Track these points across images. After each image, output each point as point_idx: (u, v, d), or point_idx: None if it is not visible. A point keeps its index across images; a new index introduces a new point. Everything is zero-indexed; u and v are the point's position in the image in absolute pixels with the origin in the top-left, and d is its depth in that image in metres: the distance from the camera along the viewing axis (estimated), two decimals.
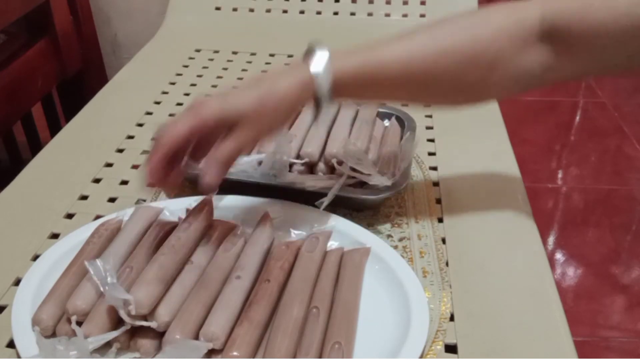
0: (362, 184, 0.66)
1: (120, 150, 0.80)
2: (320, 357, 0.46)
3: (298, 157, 0.68)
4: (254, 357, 0.46)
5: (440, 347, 0.50)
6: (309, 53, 0.53)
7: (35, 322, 0.48)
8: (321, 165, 0.68)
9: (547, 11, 0.53)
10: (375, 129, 0.75)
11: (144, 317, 0.48)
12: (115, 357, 0.48)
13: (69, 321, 0.48)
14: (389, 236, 0.63)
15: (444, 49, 0.53)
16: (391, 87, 0.54)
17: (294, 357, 0.46)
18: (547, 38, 0.53)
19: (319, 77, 0.51)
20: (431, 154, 0.78)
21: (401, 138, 0.74)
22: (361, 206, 0.65)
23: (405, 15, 1.22)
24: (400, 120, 0.78)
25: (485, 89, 0.55)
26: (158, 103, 0.93)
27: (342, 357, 0.46)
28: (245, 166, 0.67)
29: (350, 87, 0.53)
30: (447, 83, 0.54)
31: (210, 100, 0.51)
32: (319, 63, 0.52)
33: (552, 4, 0.53)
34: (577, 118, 2.27)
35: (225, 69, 1.06)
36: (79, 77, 1.40)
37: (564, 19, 0.52)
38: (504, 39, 0.53)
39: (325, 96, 0.52)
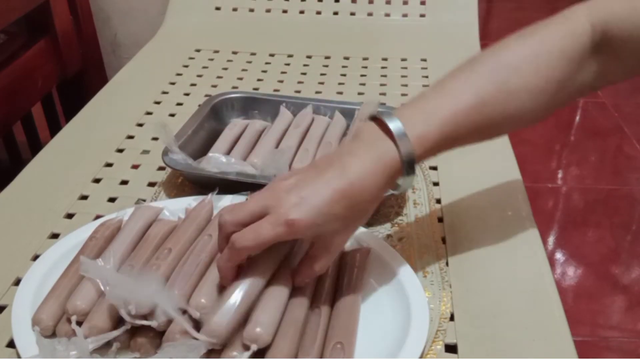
0: None
1: (120, 150, 0.80)
2: (321, 358, 0.46)
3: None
4: (255, 358, 0.46)
5: (440, 347, 0.50)
6: (380, 124, 0.49)
7: (35, 322, 0.48)
8: None
9: (596, 20, 0.52)
10: None
11: (144, 317, 0.48)
12: (115, 357, 0.48)
13: (69, 321, 0.48)
14: (389, 236, 0.63)
15: (514, 89, 0.51)
16: (467, 137, 0.52)
17: (295, 357, 0.46)
18: (598, 48, 0.53)
19: (406, 156, 0.47)
20: None
21: None
22: None
23: (405, 15, 1.22)
24: None
25: (547, 112, 0.55)
26: (158, 103, 0.93)
27: (343, 358, 0.46)
28: (245, 167, 0.67)
29: (430, 153, 0.50)
30: (517, 118, 0.53)
31: (296, 207, 0.45)
32: (401, 141, 0.47)
33: (599, 13, 0.53)
34: (577, 118, 2.27)
35: (225, 69, 1.06)
36: (79, 77, 1.40)
37: (613, 26, 0.52)
38: (564, 64, 0.52)
39: (412, 172, 0.48)
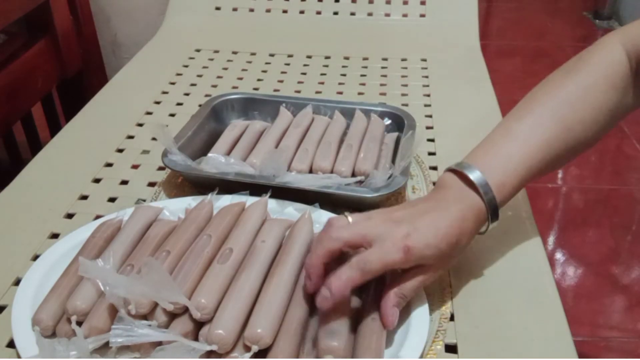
0: (361, 183, 0.66)
1: (120, 150, 0.80)
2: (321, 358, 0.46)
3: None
4: (256, 358, 0.46)
5: (440, 347, 0.50)
6: (460, 176, 0.53)
7: (35, 322, 0.48)
8: None
9: (629, 46, 0.56)
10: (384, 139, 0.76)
11: (144, 317, 0.48)
12: (115, 357, 0.48)
13: (69, 321, 0.48)
14: None
15: (570, 125, 0.55)
16: (537, 174, 0.55)
17: (296, 358, 0.46)
18: (635, 72, 0.56)
19: (489, 206, 0.52)
20: (431, 154, 0.78)
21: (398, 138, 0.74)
22: (359, 205, 0.65)
23: (405, 15, 1.22)
24: (400, 119, 0.78)
25: (600, 137, 0.58)
26: (158, 103, 0.93)
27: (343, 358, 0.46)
28: (244, 167, 0.67)
29: (509, 198, 0.54)
30: (575, 149, 0.57)
31: (411, 236, 0.48)
32: (484, 191, 0.52)
33: (630, 39, 0.57)
34: None
35: (225, 69, 1.06)
36: (79, 77, 1.40)
37: None
38: (612, 92, 0.56)
39: (495, 218, 0.53)
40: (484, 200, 0.51)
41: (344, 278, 0.47)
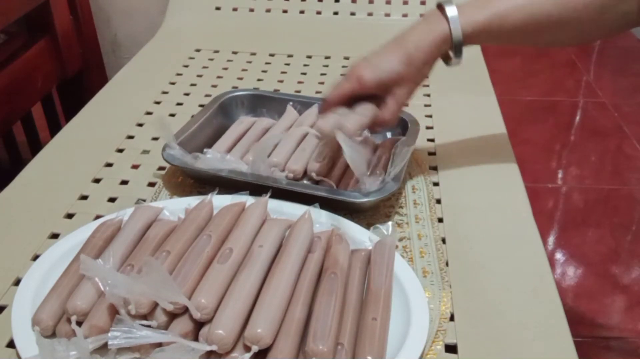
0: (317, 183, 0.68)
1: (120, 150, 0.80)
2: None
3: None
4: (255, 358, 0.46)
5: (440, 347, 0.50)
6: (438, 8, 0.62)
7: (35, 322, 0.48)
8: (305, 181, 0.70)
9: None
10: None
11: (144, 317, 0.48)
12: (115, 357, 0.48)
13: (69, 321, 0.48)
14: None
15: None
16: (514, 33, 0.61)
17: (297, 358, 0.46)
18: None
19: (454, 31, 0.60)
20: (431, 154, 0.78)
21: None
22: (351, 209, 0.65)
23: (405, 15, 1.22)
24: (403, 122, 0.77)
25: (595, 30, 0.62)
26: (158, 103, 0.93)
27: (344, 358, 0.46)
28: (239, 164, 0.68)
29: (478, 37, 0.61)
30: (561, 26, 0.61)
31: (365, 67, 0.63)
32: (453, 19, 0.60)
33: None
34: (577, 118, 2.27)
35: (225, 68, 1.06)
36: (79, 77, 1.40)
37: None
38: None
39: (459, 47, 0.62)
40: (449, 27, 0.60)
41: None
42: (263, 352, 0.46)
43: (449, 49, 0.63)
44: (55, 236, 0.64)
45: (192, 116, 0.82)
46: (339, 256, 0.55)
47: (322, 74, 1.03)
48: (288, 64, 1.07)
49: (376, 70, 0.62)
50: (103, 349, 0.47)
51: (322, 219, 0.61)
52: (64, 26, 1.30)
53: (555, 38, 0.63)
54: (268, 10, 1.25)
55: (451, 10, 0.61)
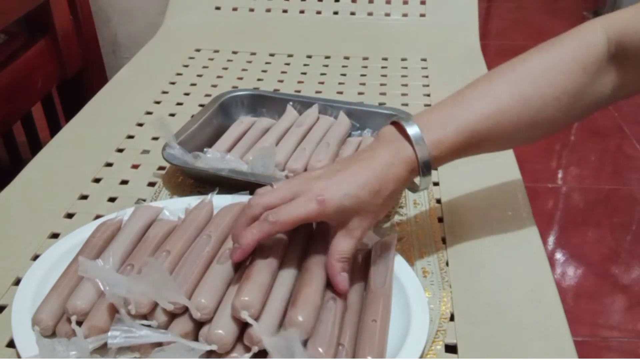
0: None
1: (120, 150, 0.80)
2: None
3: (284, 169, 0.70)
4: (255, 358, 0.46)
5: (440, 347, 0.50)
6: (399, 128, 0.53)
7: (35, 322, 0.48)
8: None
9: (610, 31, 0.54)
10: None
11: (144, 316, 0.48)
12: (115, 357, 0.48)
13: (69, 321, 0.48)
14: None
15: (528, 99, 0.54)
16: (483, 144, 0.55)
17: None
18: (614, 59, 0.54)
19: (420, 159, 0.52)
20: None
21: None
22: None
23: (405, 15, 1.22)
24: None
25: (563, 122, 0.57)
26: (158, 103, 0.93)
27: (345, 358, 0.46)
28: (239, 164, 0.68)
29: (447, 157, 0.54)
30: (531, 128, 0.55)
31: (327, 188, 0.49)
32: (418, 144, 0.51)
33: (612, 24, 0.54)
34: None
35: (225, 68, 1.06)
36: (79, 77, 1.40)
37: (628, 37, 0.53)
38: (579, 73, 0.54)
39: (428, 172, 0.53)
40: (416, 153, 0.51)
41: (255, 231, 0.49)
42: (263, 352, 0.46)
43: (417, 176, 0.53)
44: (55, 236, 0.63)
45: (192, 116, 0.82)
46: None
47: (322, 74, 1.03)
48: (288, 64, 1.07)
49: (340, 195, 0.49)
50: (103, 348, 0.47)
51: None
52: (64, 26, 1.30)
53: (529, 136, 0.57)
54: (268, 10, 1.25)
55: (414, 132, 0.52)
